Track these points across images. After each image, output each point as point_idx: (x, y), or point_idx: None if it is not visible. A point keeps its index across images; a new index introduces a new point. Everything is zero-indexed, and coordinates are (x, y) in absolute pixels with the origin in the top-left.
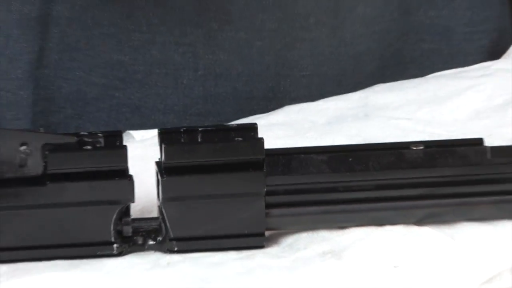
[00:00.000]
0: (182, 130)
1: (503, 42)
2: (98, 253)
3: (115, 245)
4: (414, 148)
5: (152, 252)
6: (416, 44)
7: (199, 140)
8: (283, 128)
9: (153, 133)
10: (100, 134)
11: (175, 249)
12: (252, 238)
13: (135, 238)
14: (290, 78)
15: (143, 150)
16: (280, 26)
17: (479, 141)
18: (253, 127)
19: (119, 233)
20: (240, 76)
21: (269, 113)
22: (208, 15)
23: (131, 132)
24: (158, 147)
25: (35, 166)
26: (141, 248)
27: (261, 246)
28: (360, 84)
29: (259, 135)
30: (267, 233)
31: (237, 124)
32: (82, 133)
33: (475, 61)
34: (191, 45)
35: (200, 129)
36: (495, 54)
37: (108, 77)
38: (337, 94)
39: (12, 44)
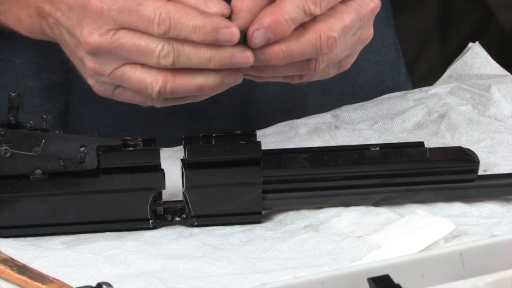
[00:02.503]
0: (200, 136)
1: None
2: (138, 226)
3: (151, 221)
4: (372, 149)
5: (178, 226)
6: None
7: (213, 143)
8: (275, 137)
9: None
10: (139, 139)
11: (195, 224)
12: (252, 216)
13: (165, 215)
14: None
15: (171, 153)
16: None
17: (421, 144)
18: (253, 133)
19: (154, 212)
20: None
21: (265, 129)
22: None
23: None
24: (180, 153)
25: (91, 162)
26: (170, 223)
27: (259, 222)
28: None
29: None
30: (263, 212)
31: (241, 131)
32: (126, 138)
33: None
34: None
35: (213, 135)
36: None
37: (117, 121)
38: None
39: (45, 102)
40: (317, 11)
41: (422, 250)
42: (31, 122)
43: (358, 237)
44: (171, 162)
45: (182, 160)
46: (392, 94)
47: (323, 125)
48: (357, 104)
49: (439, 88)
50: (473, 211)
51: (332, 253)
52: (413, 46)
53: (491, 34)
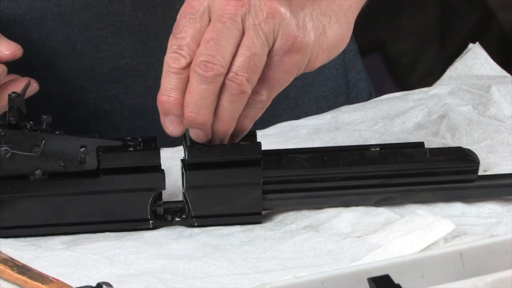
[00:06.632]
0: None
1: None
2: (138, 227)
3: (150, 221)
4: (372, 149)
5: (178, 226)
6: None
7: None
8: (275, 137)
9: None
10: (140, 139)
11: (195, 224)
12: (252, 216)
13: (165, 216)
14: None
15: (171, 153)
16: None
17: (421, 144)
18: (253, 134)
19: (154, 212)
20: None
21: (265, 129)
22: None
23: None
24: (180, 153)
25: (91, 163)
26: (170, 223)
27: (259, 222)
28: None
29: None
30: (263, 212)
31: None
32: (126, 138)
33: None
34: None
35: None
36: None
37: None
38: None
39: None
40: (181, 62)
41: (422, 250)
42: (31, 122)
43: (358, 237)
44: (171, 162)
45: (182, 161)
46: (392, 95)
47: (323, 126)
48: (357, 105)
49: (439, 88)
50: (473, 211)
51: (332, 253)
52: (413, 46)
53: (491, 34)
